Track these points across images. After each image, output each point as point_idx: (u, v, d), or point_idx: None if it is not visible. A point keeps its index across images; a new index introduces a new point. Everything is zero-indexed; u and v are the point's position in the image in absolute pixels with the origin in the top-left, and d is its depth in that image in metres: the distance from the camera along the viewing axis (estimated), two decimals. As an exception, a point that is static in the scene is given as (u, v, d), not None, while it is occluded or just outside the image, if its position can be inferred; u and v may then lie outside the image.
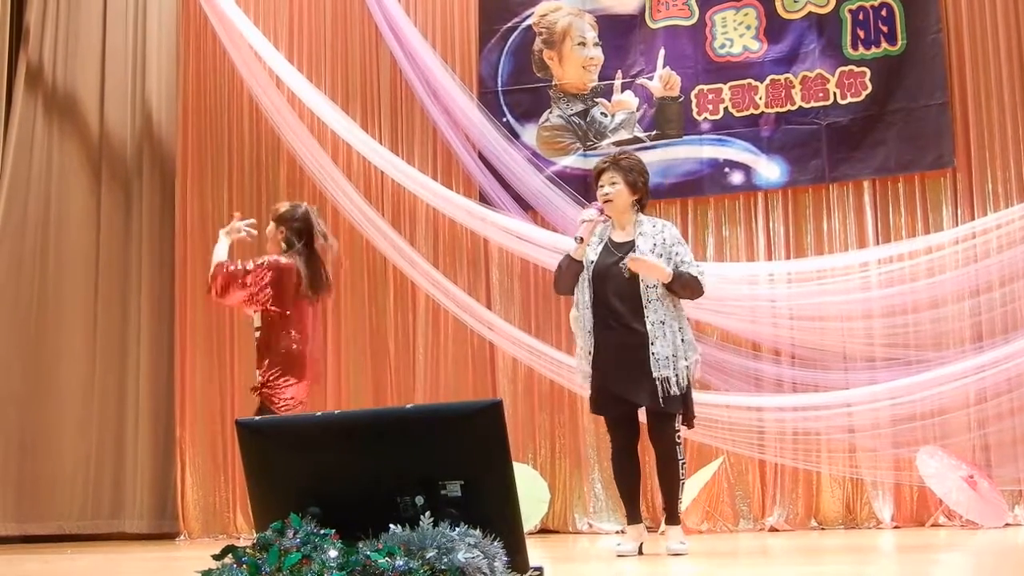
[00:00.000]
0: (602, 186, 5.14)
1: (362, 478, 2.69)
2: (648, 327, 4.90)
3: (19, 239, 8.47)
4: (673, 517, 5.02)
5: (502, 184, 7.82)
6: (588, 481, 7.58)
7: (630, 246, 5.03)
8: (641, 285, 4.94)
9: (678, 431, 4.97)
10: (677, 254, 5.02)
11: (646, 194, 5.24)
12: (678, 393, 4.91)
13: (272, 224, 5.64)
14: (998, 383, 6.65)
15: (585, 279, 5.04)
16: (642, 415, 5.11)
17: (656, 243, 5.02)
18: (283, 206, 5.78)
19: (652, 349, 4.88)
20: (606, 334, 4.97)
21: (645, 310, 4.92)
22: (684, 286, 4.98)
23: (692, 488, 6.93)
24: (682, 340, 4.97)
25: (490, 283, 7.97)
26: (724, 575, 4.14)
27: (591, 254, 5.06)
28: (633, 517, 5.10)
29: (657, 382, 4.86)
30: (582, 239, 5.02)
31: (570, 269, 5.08)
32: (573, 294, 5.13)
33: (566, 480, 7.64)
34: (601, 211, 5.07)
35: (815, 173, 7.38)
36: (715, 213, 7.64)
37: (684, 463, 4.99)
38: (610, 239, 5.10)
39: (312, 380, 5.53)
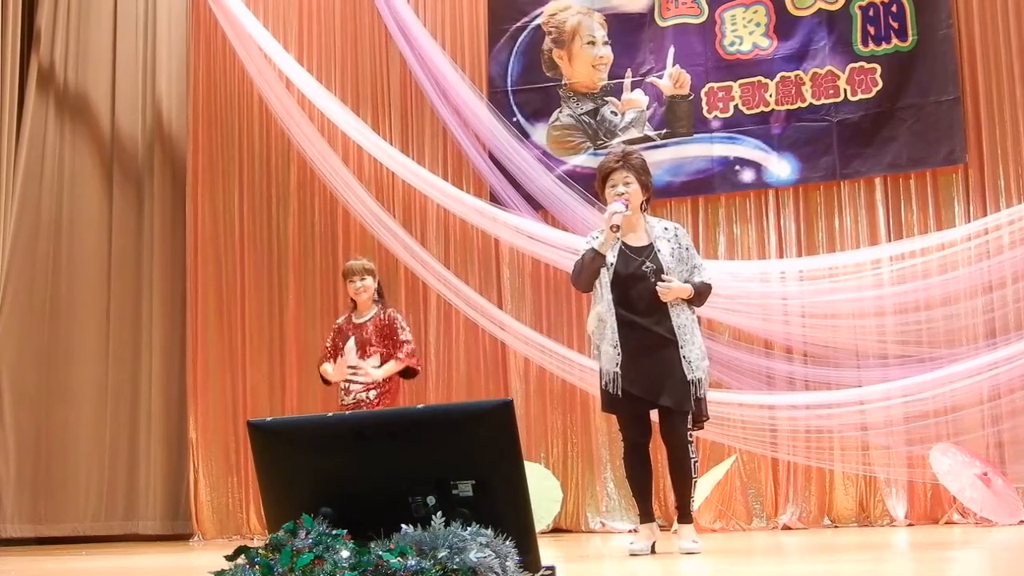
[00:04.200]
0: (615, 185, 5.06)
1: (374, 478, 2.69)
2: (676, 330, 4.92)
3: (32, 240, 8.51)
4: (685, 515, 5.01)
5: (512, 184, 7.82)
6: (600, 480, 7.57)
7: (648, 250, 5.01)
8: None
9: (690, 429, 4.97)
10: (693, 257, 5.06)
11: (652, 194, 5.26)
12: (699, 395, 4.95)
13: (369, 277, 6.38)
14: (1012, 379, 6.62)
15: (605, 282, 5.00)
16: (653, 414, 5.10)
17: (673, 248, 5.02)
18: (367, 260, 6.56)
19: (683, 352, 4.90)
20: (629, 336, 4.93)
21: (671, 312, 4.93)
22: (700, 296, 5.04)
23: (705, 486, 6.92)
24: (701, 341, 5.03)
25: (501, 283, 7.97)
26: (738, 573, 4.13)
27: (609, 257, 5.01)
28: (646, 516, 5.08)
29: (691, 384, 4.89)
30: (617, 227, 4.90)
31: (594, 263, 4.99)
32: (591, 291, 5.10)
33: (578, 479, 7.64)
34: (626, 205, 4.98)
35: (826, 170, 7.36)
36: (726, 211, 7.63)
37: (696, 461, 4.99)
38: (624, 244, 5.05)
39: None
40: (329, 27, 8.62)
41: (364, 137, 8.01)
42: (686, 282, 4.98)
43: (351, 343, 6.31)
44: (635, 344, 4.93)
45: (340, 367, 6.26)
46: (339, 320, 6.57)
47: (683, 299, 4.97)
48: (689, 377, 4.90)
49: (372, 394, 6.25)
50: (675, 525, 5.39)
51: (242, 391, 8.42)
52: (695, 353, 4.93)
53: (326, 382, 6.46)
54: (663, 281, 4.92)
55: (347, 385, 6.31)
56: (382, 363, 6.28)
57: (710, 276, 5.11)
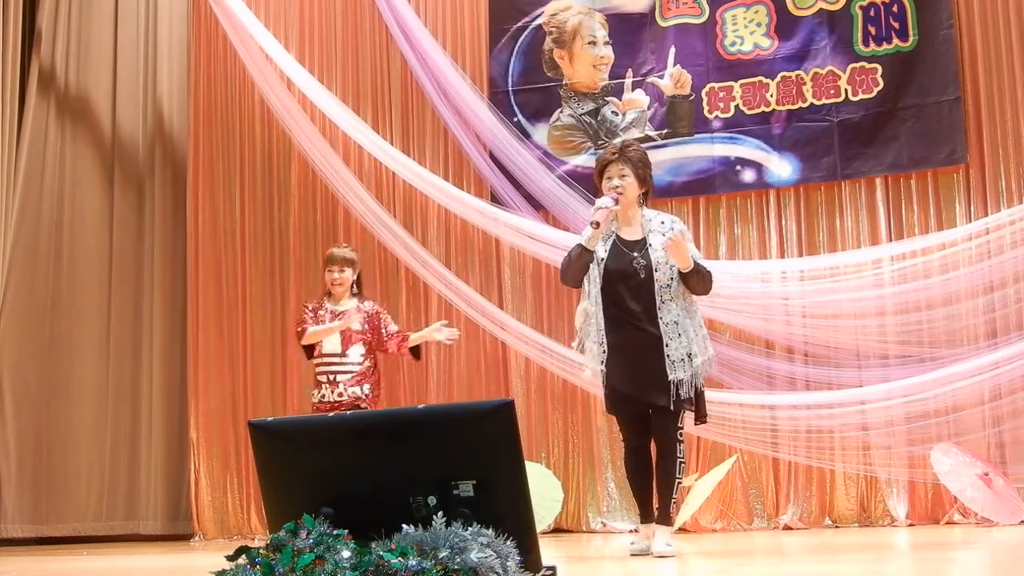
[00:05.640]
0: (610, 177, 5.00)
1: (375, 478, 2.69)
2: (662, 328, 4.85)
3: (33, 240, 8.53)
4: (664, 517, 4.94)
5: (513, 184, 7.82)
6: (601, 480, 7.57)
7: (641, 244, 4.95)
8: (655, 285, 4.88)
9: (680, 428, 4.90)
10: (689, 250, 4.98)
11: (651, 188, 5.18)
12: (690, 395, 4.87)
13: (349, 269, 6.34)
14: (1013, 380, 6.62)
15: (595, 277, 4.96)
16: None
17: (667, 239, 4.91)
18: (350, 250, 6.49)
19: (667, 351, 4.83)
20: (619, 334, 4.89)
21: (659, 311, 4.86)
22: (700, 278, 4.92)
23: (705, 487, 6.93)
24: (696, 336, 4.93)
25: (502, 283, 7.97)
26: (739, 573, 4.13)
27: (600, 251, 4.96)
28: (646, 516, 5.04)
29: (672, 384, 4.82)
30: (598, 224, 4.85)
31: (580, 259, 4.94)
32: (580, 286, 5.06)
33: (579, 479, 7.64)
34: (616, 200, 4.92)
35: (827, 170, 7.36)
36: (727, 211, 7.62)
37: (682, 462, 4.91)
38: (618, 236, 5.00)
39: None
40: (330, 27, 8.61)
41: (365, 137, 8.01)
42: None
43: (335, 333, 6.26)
44: (623, 341, 4.88)
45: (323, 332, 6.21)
46: (310, 305, 6.46)
47: (677, 282, 4.87)
48: (670, 377, 4.82)
49: (367, 387, 6.23)
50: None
51: (243, 391, 8.42)
52: (679, 352, 4.83)
53: (308, 351, 6.34)
54: (658, 275, 4.86)
55: (332, 376, 6.22)
56: (366, 351, 6.27)
57: (710, 268, 5.01)
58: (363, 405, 6.19)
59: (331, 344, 6.23)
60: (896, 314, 7.02)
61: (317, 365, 6.32)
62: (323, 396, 6.24)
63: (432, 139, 8.22)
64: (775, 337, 7.28)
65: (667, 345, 4.84)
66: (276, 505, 2.82)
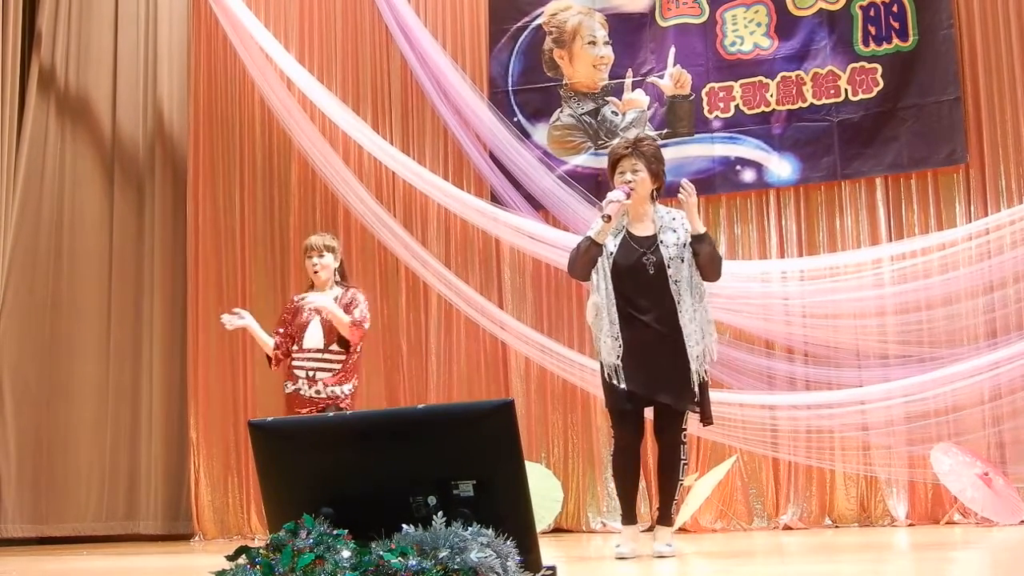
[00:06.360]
0: (623, 172, 4.91)
1: (375, 478, 2.69)
2: (681, 325, 4.78)
3: (33, 240, 8.53)
4: (666, 517, 4.91)
5: (513, 184, 7.82)
6: (601, 480, 7.57)
7: (652, 241, 4.88)
8: (667, 282, 4.82)
9: (685, 430, 4.86)
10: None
11: (664, 183, 5.10)
12: (696, 390, 4.82)
13: (329, 255, 6.00)
14: (1013, 379, 6.63)
15: (604, 272, 4.88)
16: (648, 412, 4.98)
17: (679, 236, 4.88)
18: (330, 237, 6.16)
19: (688, 345, 4.77)
20: (627, 330, 4.81)
21: (678, 307, 4.80)
22: (711, 256, 4.87)
23: (706, 487, 6.93)
24: (703, 330, 4.86)
25: (502, 283, 7.97)
26: (740, 573, 4.13)
27: (610, 245, 4.89)
28: (630, 518, 4.93)
29: (694, 376, 4.77)
30: (609, 217, 4.76)
31: (588, 252, 4.85)
32: (587, 280, 4.99)
33: (579, 479, 7.64)
34: (628, 195, 4.83)
35: (827, 170, 7.36)
36: (727, 211, 7.63)
37: (685, 463, 4.88)
38: (628, 232, 4.92)
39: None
40: (330, 27, 8.61)
41: (365, 137, 8.02)
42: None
43: (315, 324, 5.88)
44: (633, 338, 4.80)
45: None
46: (295, 297, 6.10)
47: (687, 276, 4.82)
48: (693, 368, 4.77)
49: (347, 387, 5.86)
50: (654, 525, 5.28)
51: (243, 391, 8.42)
52: (696, 349, 4.78)
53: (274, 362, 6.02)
54: (669, 272, 4.83)
55: (312, 373, 5.86)
56: (348, 346, 5.88)
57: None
58: (343, 405, 5.84)
59: (313, 339, 5.89)
60: (896, 314, 7.02)
61: (295, 360, 5.95)
62: (298, 389, 5.92)
63: (432, 139, 8.22)
64: (775, 337, 7.28)
65: (688, 339, 4.78)
66: (276, 505, 2.83)
